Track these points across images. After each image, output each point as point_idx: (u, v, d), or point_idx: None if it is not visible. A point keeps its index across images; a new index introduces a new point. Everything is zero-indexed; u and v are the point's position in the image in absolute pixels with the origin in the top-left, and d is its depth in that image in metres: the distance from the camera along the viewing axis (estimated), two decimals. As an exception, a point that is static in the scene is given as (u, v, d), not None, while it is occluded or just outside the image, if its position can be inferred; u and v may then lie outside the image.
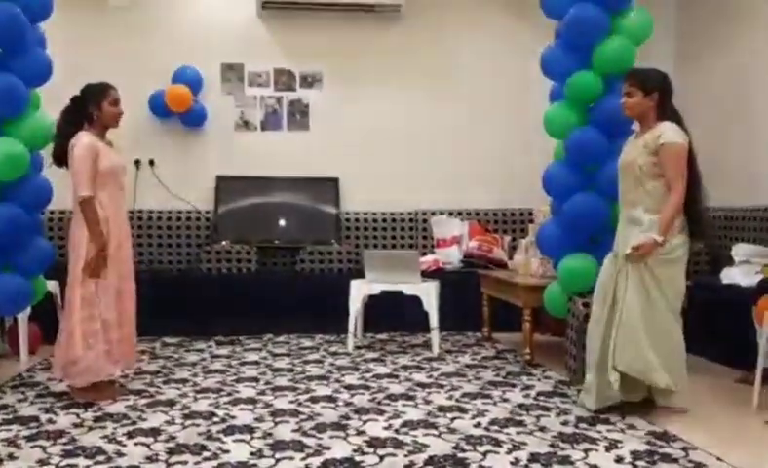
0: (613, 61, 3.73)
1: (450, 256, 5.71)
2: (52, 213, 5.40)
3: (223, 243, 5.58)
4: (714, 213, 5.42)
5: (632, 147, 3.33)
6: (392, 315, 5.09)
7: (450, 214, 6.00)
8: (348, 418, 3.22)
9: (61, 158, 3.53)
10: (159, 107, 5.76)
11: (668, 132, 3.19)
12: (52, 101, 4.13)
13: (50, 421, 3.17)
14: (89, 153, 3.43)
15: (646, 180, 3.22)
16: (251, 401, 3.51)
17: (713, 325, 4.30)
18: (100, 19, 5.77)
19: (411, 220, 6.07)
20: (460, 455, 2.76)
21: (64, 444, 2.87)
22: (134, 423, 3.14)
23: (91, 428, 3.07)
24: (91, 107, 3.54)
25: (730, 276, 4.42)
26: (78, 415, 3.25)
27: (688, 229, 3.27)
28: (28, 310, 4.35)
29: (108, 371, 3.51)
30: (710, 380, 3.97)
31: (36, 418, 3.20)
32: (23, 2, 3.69)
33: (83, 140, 3.45)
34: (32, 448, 2.82)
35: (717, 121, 5.64)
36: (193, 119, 5.84)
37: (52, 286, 4.55)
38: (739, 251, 4.63)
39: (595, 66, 3.77)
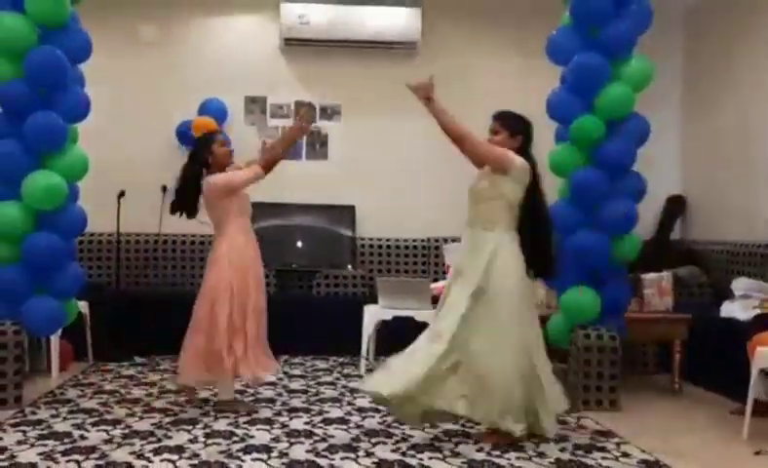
0: (614, 107, 3.95)
1: (461, 283, 5.90)
2: (83, 235, 5.68)
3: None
4: (716, 247, 5.60)
5: (481, 177, 3.55)
6: (403, 339, 5.26)
7: (459, 241, 6.20)
8: (359, 440, 3.43)
9: (189, 207, 3.97)
10: (185, 137, 6.04)
11: (515, 158, 3.41)
12: (89, 134, 4.45)
13: (82, 437, 3.40)
14: (224, 177, 3.89)
15: (487, 201, 3.43)
16: (268, 421, 3.73)
17: (712, 357, 4.46)
18: (132, 54, 6.10)
19: (424, 247, 6.28)
20: (462, 478, 2.95)
21: (96, 459, 3.11)
22: (159, 441, 3.37)
23: (120, 445, 3.31)
24: (205, 153, 3.95)
25: (729, 310, 4.57)
26: (107, 432, 3.49)
27: (530, 269, 3.42)
28: (60, 330, 4.61)
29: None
30: (706, 411, 4.13)
31: (69, 434, 3.45)
32: (65, 45, 3.98)
33: (210, 177, 3.90)
34: (67, 462, 3.06)
35: (720, 160, 5.84)
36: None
37: (82, 306, 4.81)
38: (739, 285, 4.79)
39: (598, 111, 3.98)
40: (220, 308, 3.80)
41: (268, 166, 4.05)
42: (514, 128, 3.50)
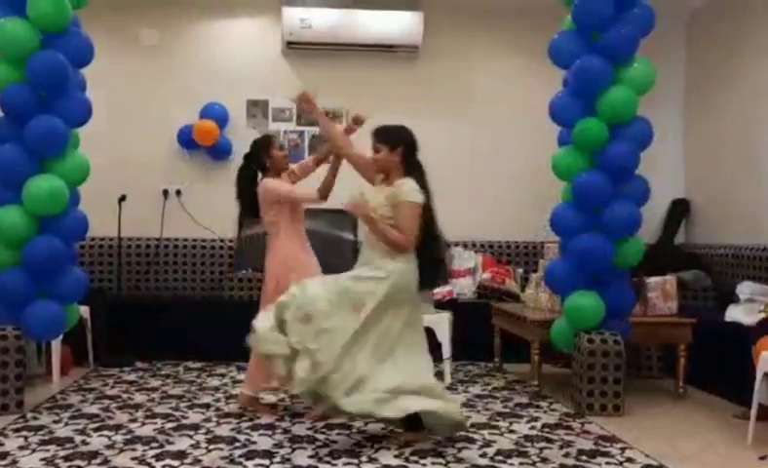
0: (617, 110, 3.93)
1: (464, 287, 5.90)
2: (84, 239, 5.67)
3: (244, 271, 5.81)
4: (721, 251, 5.58)
5: (376, 194, 3.50)
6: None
7: (465, 246, 6.19)
8: (361, 446, 3.41)
9: (250, 208, 4.01)
10: (187, 141, 6.05)
11: (409, 191, 3.36)
12: (90, 139, 4.45)
13: (84, 442, 3.39)
14: (279, 183, 3.93)
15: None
16: (271, 426, 3.71)
17: (716, 361, 4.44)
18: (133, 58, 6.10)
19: (426, 251, 6.25)
20: (465, 484, 2.94)
21: (99, 464, 3.09)
22: (161, 446, 3.36)
23: (122, 450, 3.29)
24: (263, 157, 3.98)
25: (734, 314, 4.56)
26: (109, 437, 3.47)
27: (420, 278, 3.41)
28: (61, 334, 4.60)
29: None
30: (711, 415, 4.11)
31: (71, 439, 3.43)
32: (67, 49, 3.98)
33: (268, 181, 3.93)
34: (69, 467, 3.05)
35: (724, 163, 5.82)
36: (219, 152, 6.12)
37: (83, 311, 4.79)
38: (744, 289, 4.77)
39: (600, 114, 3.97)
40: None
41: (324, 193, 4.04)
42: (392, 141, 3.48)
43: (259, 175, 4.06)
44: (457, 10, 6.31)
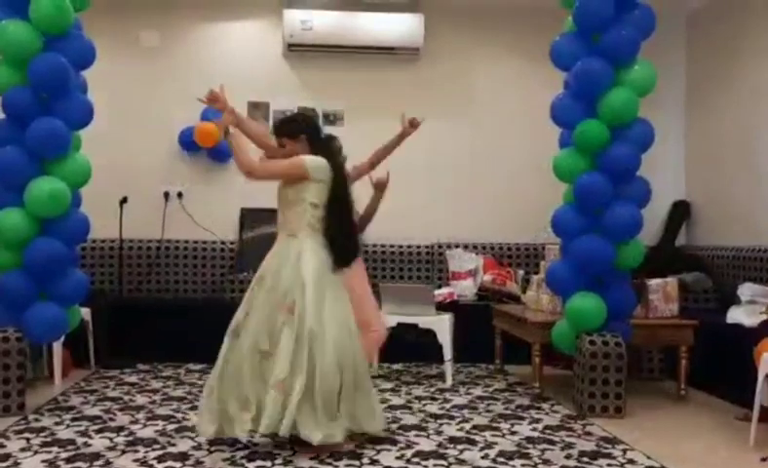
0: (618, 112, 3.94)
1: (465, 289, 5.89)
2: (85, 241, 5.68)
3: (246, 273, 5.81)
4: (722, 253, 5.58)
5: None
6: (407, 346, 5.26)
7: (466, 247, 6.20)
8: (363, 447, 3.41)
9: None
10: (188, 143, 6.05)
11: (307, 156, 3.40)
12: (91, 141, 4.45)
13: (85, 444, 3.39)
14: None
15: (291, 207, 3.40)
16: (272, 428, 3.71)
17: (717, 363, 4.44)
18: (134, 60, 6.11)
19: (428, 253, 6.27)
20: (467, 486, 2.94)
21: (100, 466, 3.09)
22: (163, 448, 3.36)
23: (124, 452, 3.29)
24: None
25: (735, 316, 4.55)
26: (111, 439, 3.47)
27: (333, 255, 3.39)
28: (62, 336, 4.60)
29: None
30: (712, 417, 4.11)
31: (73, 441, 3.43)
32: (69, 52, 3.98)
33: None
34: (71, 469, 3.06)
35: (725, 165, 5.83)
36: (220, 154, 6.11)
37: (84, 313, 4.79)
38: (745, 290, 4.77)
39: (601, 116, 3.98)
40: None
41: (363, 223, 4.06)
42: (293, 132, 3.49)
43: None
44: (458, 12, 6.32)
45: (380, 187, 3.95)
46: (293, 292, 3.27)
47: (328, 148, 3.52)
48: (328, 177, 3.42)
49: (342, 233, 3.44)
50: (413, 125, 3.92)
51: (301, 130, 3.51)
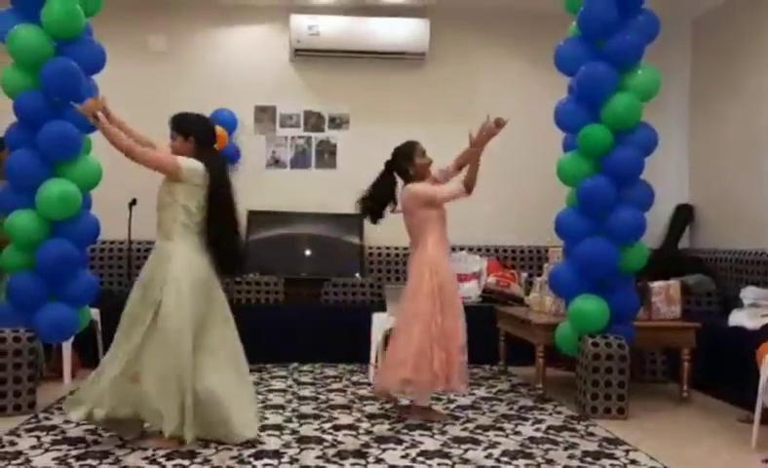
0: (622, 116, 3.98)
1: (470, 291, 5.94)
2: (95, 243, 5.74)
3: (252, 274, 5.87)
4: (724, 256, 5.61)
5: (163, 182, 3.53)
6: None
7: (470, 250, 6.24)
8: (368, 447, 3.46)
9: (377, 214, 4.05)
10: (195, 146, 6.11)
11: (184, 159, 3.42)
12: (101, 144, 4.49)
13: (95, 442, 3.45)
14: (424, 187, 3.95)
15: (165, 208, 3.44)
16: (278, 427, 3.76)
17: (720, 365, 4.47)
18: (143, 65, 6.17)
19: (432, 256, 6.30)
20: (471, 484, 2.98)
21: (110, 463, 3.15)
22: (171, 446, 3.41)
23: (133, 449, 3.34)
24: (406, 164, 4.00)
25: (737, 319, 4.58)
26: (120, 438, 3.51)
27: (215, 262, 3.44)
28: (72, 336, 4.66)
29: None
30: (714, 419, 4.14)
31: (83, 439, 3.48)
32: (80, 56, 4.05)
33: (415, 185, 3.94)
34: (81, 466, 3.11)
35: (728, 168, 5.86)
36: (227, 157, 6.17)
37: (94, 313, 4.85)
38: (747, 293, 4.80)
39: (605, 120, 4.02)
40: (417, 321, 3.82)
41: (469, 186, 4.04)
42: (185, 130, 3.52)
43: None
44: (463, 17, 6.37)
45: (500, 124, 3.97)
46: (159, 293, 3.32)
47: (212, 157, 3.54)
48: (204, 183, 3.43)
49: (223, 240, 3.45)
50: (499, 124, 3.94)
51: (192, 131, 3.52)
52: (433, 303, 3.83)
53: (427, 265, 3.91)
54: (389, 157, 4.21)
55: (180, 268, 3.35)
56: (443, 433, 3.72)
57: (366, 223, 6.20)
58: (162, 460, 3.21)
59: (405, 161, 4.03)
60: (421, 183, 4.00)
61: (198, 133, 3.53)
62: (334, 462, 3.23)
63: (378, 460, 3.27)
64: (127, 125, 3.77)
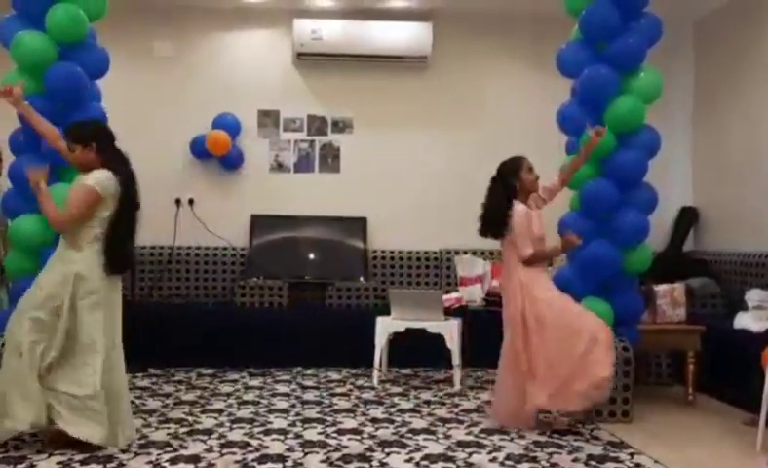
0: (625, 119, 3.98)
1: (474, 295, 5.93)
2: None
3: (256, 278, 5.88)
4: (729, 258, 5.59)
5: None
6: (416, 350, 5.29)
7: (474, 253, 6.23)
8: (372, 451, 3.45)
9: (495, 231, 3.95)
10: (199, 150, 6.14)
11: (93, 177, 3.39)
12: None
13: (99, 447, 3.43)
14: (525, 219, 3.83)
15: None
16: (283, 432, 3.76)
17: (725, 368, 4.45)
18: (147, 70, 6.20)
19: (436, 259, 6.32)
20: (475, 488, 2.97)
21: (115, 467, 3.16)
22: (175, 451, 3.41)
23: (137, 454, 3.35)
24: (512, 180, 3.91)
25: (742, 321, 4.57)
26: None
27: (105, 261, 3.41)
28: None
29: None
30: (720, 422, 4.12)
31: (87, 444, 3.48)
32: (84, 61, 4.07)
33: (519, 208, 3.85)
34: (86, 471, 3.12)
35: (732, 170, 5.85)
36: (231, 161, 6.20)
37: (98, 318, 4.84)
38: (752, 296, 4.79)
39: (608, 123, 4.01)
40: (515, 339, 3.82)
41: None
42: (84, 138, 3.47)
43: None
44: (466, 20, 6.37)
45: (567, 244, 3.88)
46: (62, 296, 3.33)
47: (117, 159, 3.53)
48: (118, 191, 3.44)
49: (119, 241, 3.46)
50: (599, 133, 3.90)
51: (91, 137, 3.47)
52: (523, 329, 3.79)
53: (521, 285, 3.85)
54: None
55: (82, 272, 3.36)
56: (448, 437, 3.71)
57: (370, 227, 6.29)
58: (166, 464, 3.21)
59: (512, 176, 3.91)
60: (525, 211, 3.86)
61: (97, 138, 3.50)
62: (338, 466, 3.23)
63: (382, 464, 3.26)
64: (44, 121, 3.79)
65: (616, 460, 3.37)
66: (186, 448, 3.46)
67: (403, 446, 3.54)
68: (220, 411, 4.18)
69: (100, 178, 3.40)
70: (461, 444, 3.59)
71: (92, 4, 4.10)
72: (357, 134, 6.40)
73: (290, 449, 3.45)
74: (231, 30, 6.33)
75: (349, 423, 3.96)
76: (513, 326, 3.86)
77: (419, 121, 6.41)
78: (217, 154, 6.13)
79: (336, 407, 4.34)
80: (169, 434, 3.69)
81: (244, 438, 3.64)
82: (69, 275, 3.35)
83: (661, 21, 4.11)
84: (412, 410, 4.27)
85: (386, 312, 5.04)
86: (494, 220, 3.92)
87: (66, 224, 3.38)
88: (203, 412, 4.15)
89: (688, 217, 6.35)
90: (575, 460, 3.36)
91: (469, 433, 3.80)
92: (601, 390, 3.67)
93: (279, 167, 6.36)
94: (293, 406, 4.35)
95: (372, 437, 3.70)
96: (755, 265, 5.21)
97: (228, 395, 4.61)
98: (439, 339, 4.81)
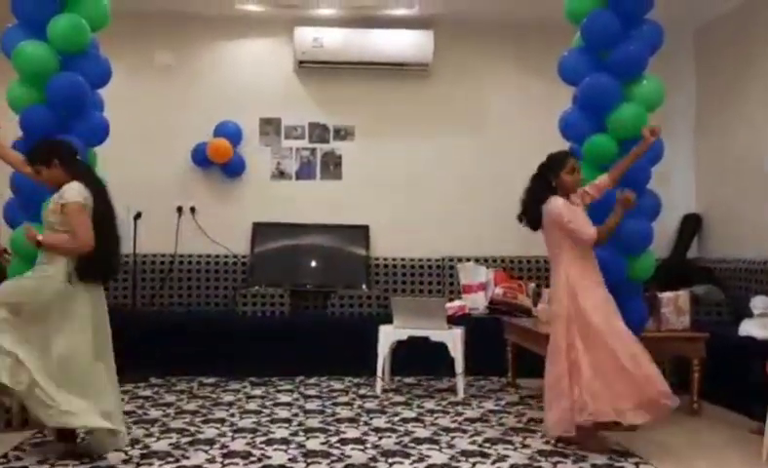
0: (627, 127, 3.97)
1: (476, 302, 5.92)
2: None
3: (257, 286, 5.86)
4: (733, 265, 5.57)
5: (48, 203, 3.50)
6: (419, 359, 5.27)
7: (476, 261, 6.22)
8: (375, 461, 3.43)
9: (529, 221, 3.85)
10: (201, 158, 6.14)
11: (69, 191, 3.39)
12: (106, 157, 4.51)
13: (100, 457, 3.42)
14: (566, 209, 3.68)
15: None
16: (285, 441, 3.74)
17: (730, 376, 4.42)
18: (149, 78, 6.20)
19: (439, 267, 6.30)
20: (480, 499, 2.95)
21: (116, 479, 3.14)
22: (177, 461, 3.39)
23: (138, 464, 3.33)
24: (550, 176, 3.78)
25: (747, 328, 4.54)
26: (126, 452, 3.51)
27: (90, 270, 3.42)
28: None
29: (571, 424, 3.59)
30: (725, 430, 4.10)
31: (89, 455, 3.47)
32: (86, 70, 4.06)
33: (558, 203, 3.70)
34: (87, 482, 3.10)
35: (735, 177, 5.84)
36: (233, 169, 6.20)
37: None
38: (757, 303, 4.76)
39: (610, 131, 4.00)
40: (559, 338, 3.68)
41: (604, 235, 3.77)
42: (44, 158, 3.49)
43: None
44: (467, 28, 6.38)
45: (625, 204, 3.72)
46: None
47: (85, 170, 3.57)
48: (90, 199, 3.45)
49: (101, 249, 3.44)
50: (654, 133, 3.81)
51: (51, 154, 3.49)
52: (567, 330, 3.64)
53: (565, 286, 3.69)
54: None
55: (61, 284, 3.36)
56: (451, 447, 3.69)
57: (372, 234, 6.28)
58: (168, 475, 3.19)
59: (551, 173, 3.77)
60: (563, 201, 3.71)
61: (58, 154, 3.51)
62: (341, 476, 3.21)
63: (386, 474, 3.24)
64: (11, 153, 3.81)
65: (621, 470, 3.34)
66: (188, 458, 3.45)
67: (407, 455, 3.52)
68: (222, 421, 4.16)
69: (76, 190, 3.42)
70: (465, 453, 3.57)
71: (94, 14, 4.10)
72: (358, 141, 6.39)
73: (293, 459, 3.43)
74: (232, 39, 6.34)
75: (352, 433, 3.93)
76: (558, 323, 3.71)
77: (421, 128, 6.41)
78: (219, 162, 6.13)
79: (339, 416, 4.31)
80: (170, 444, 3.67)
81: (246, 448, 3.62)
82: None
83: (662, 29, 4.10)
84: (415, 420, 4.25)
85: (388, 320, 5.02)
86: (528, 210, 3.85)
87: (90, 243, 3.39)
88: (205, 422, 4.13)
89: (692, 225, 6.33)
90: (580, 470, 3.34)
91: (473, 442, 3.78)
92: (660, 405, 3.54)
93: (280, 174, 6.35)
94: (296, 415, 4.32)
95: (376, 446, 3.67)
96: (760, 272, 5.19)
97: (230, 404, 4.59)
98: (442, 348, 4.79)
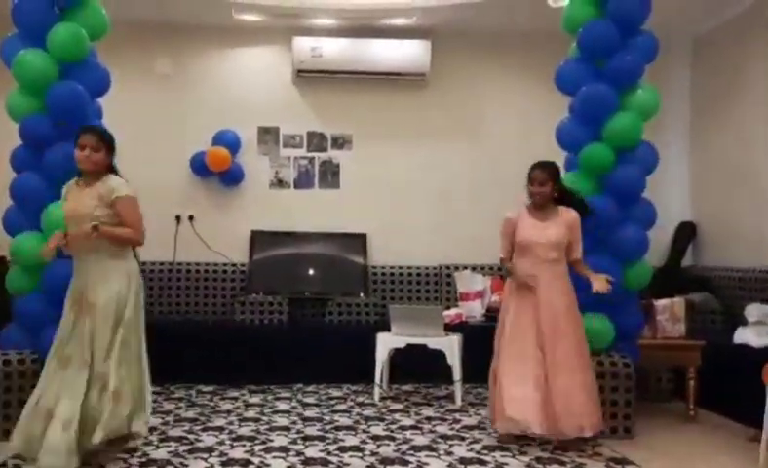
0: (623, 136, 4.01)
1: (474, 310, 5.94)
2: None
3: (256, 295, 5.87)
4: (729, 273, 5.61)
5: (80, 198, 3.55)
6: (417, 366, 5.28)
7: (474, 269, 6.24)
8: (374, 468, 3.45)
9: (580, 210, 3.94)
10: (199, 167, 6.15)
11: (120, 186, 3.56)
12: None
13: (100, 465, 3.44)
14: (502, 226, 4.16)
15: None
16: (284, 449, 3.75)
17: (726, 384, 4.45)
18: (148, 87, 6.22)
19: (436, 275, 6.32)
20: (478, 506, 2.96)
21: (115, 486, 3.14)
22: (176, 469, 3.41)
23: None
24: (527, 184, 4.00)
25: (742, 336, 4.57)
26: (125, 460, 3.52)
27: None
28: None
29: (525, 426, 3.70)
30: (722, 438, 4.12)
31: (88, 463, 3.47)
32: (85, 79, 4.09)
33: (506, 214, 4.08)
34: (86, 490, 3.10)
35: (730, 185, 5.87)
36: (231, 178, 6.22)
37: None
38: (752, 311, 4.78)
39: (606, 140, 4.04)
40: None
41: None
42: (112, 145, 3.64)
43: None
44: (464, 38, 6.42)
45: (598, 285, 3.83)
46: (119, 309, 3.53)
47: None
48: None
49: None
50: (603, 286, 3.81)
51: (113, 146, 3.65)
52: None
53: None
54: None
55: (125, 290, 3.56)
56: (449, 454, 3.70)
57: (370, 242, 6.30)
58: (167, 483, 3.20)
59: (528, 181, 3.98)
60: (505, 219, 4.13)
61: (111, 143, 3.65)
62: (340, 484, 3.22)
63: (384, 482, 3.25)
64: None
65: (618, 477, 3.36)
66: (187, 466, 3.46)
67: (405, 463, 3.54)
68: (221, 429, 4.16)
69: (125, 184, 3.59)
70: (463, 461, 3.59)
71: (93, 23, 4.12)
72: (356, 150, 6.42)
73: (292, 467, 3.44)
74: (231, 48, 6.37)
75: (350, 440, 3.95)
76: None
77: (418, 137, 6.44)
78: (217, 171, 6.15)
79: (337, 423, 4.33)
80: (169, 452, 3.68)
81: (245, 456, 3.63)
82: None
83: (657, 39, 4.14)
84: (414, 427, 4.26)
85: (386, 328, 5.03)
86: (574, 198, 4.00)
87: (143, 235, 3.60)
88: (203, 430, 4.13)
89: (687, 233, 6.36)
90: (577, 477, 3.36)
91: (471, 450, 3.79)
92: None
93: (279, 183, 6.37)
94: (294, 423, 4.33)
95: (374, 454, 3.69)
96: (754, 280, 5.22)
97: (229, 412, 4.59)
98: (439, 355, 4.80)
